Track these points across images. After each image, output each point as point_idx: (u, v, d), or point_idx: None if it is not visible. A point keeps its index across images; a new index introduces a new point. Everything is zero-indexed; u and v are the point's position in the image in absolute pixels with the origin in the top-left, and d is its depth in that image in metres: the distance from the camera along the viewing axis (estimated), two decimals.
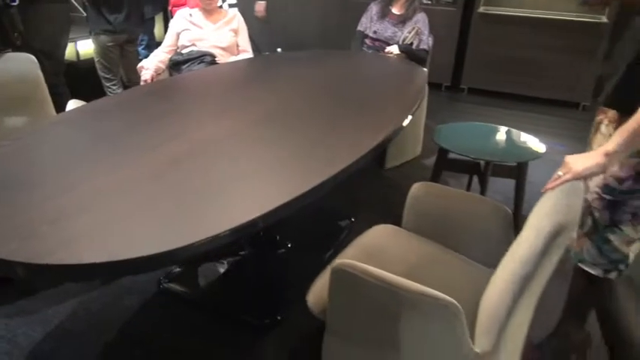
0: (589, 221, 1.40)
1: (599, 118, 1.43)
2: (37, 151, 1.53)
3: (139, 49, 3.92)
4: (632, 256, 1.41)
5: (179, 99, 2.13)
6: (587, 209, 1.40)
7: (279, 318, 1.89)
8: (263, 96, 2.09)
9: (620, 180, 1.32)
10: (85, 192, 1.23)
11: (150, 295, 2.03)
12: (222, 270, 2.15)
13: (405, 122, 1.82)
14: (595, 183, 1.38)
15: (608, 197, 1.35)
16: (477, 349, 1.11)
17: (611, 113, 1.37)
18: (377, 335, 1.23)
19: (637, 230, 1.36)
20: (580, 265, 1.46)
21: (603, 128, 1.39)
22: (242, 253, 2.24)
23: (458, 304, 1.08)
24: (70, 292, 2.00)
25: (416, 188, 1.70)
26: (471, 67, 4.95)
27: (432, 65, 3.47)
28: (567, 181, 1.24)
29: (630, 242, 1.39)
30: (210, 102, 2.06)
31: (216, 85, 2.36)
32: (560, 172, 1.28)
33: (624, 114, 1.27)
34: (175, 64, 2.88)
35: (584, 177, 1.24)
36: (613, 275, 1.43)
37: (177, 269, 2.13)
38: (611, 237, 1.38)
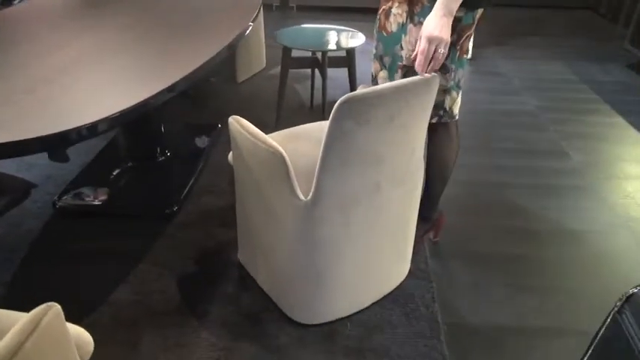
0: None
1: (385, 6, 1.74)
2: None
3: None
4: (449, 103, 1.74)
5: (32, 25, 2.17)
6: (407, 68, 1.70)
7: (175, 208, 2.20)
8: (111, 19, 2.24)
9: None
10: None
11: (48, 216, 2.18)
12: (115, 181, 2.36)
13: (250, 26, 2.15)
14: (411, 46, 1.66)
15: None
16: (302, 197, 1.43)
17: None
18: (251, 187, 1.62)
19: (447, 79, 1.68)
20: None
21: (394, 10, 1.70)
22: (120, 169, 2.45)
23: (284, 154, 1.38)
24: None
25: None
26: None
27: None
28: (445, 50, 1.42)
29: (445, 91, 1.70)
30: (57, 29, 2.15)
31: (60, 12, 2.41)
32: (428, 46, 1.41)
33: None
34: (5, 0, 2.78)
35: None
36: (435, 120, 1.75)
37: (69, 193, 2.28)
38: None
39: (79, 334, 1.02)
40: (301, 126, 1.89)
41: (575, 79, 3.85)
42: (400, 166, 1.50)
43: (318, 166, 1.36)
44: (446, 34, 1.42)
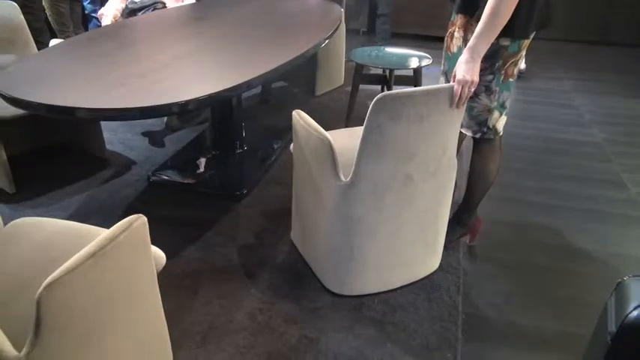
0: None
1: (451, 29, 2.01)
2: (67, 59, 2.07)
3: (85, 3, 4.28)
4: (492, 122, 1.92)
5: (148, 31, 2.66)
6: None
7: (245, 191, 2.56)
8: (209, 29, 2.68)
9: None
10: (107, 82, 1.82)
11: (142, 188, 2.62)
12: (199, 165, 2.78)
13: (327, 38, 2.49)
14: None
15: None
16: (343, 179, 1.71)
17: (459, 22, 1.94)
18: (304, 171, 1.90)
19: (491, 100, 1.88)
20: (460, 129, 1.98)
21: (456, 34, 1.98)
22: (205, 156, 2.87)
23: (331, 140, 1.67)
24: (80, 187, 2.57)
25: None
26: None
27: (351, 13, 4.13)
28: (471, 89, 1.66)
29: (489, 110, 1.90)
30: (170, 33, 2.62)
31: (170, 23, 2.90)
32: (460, 88, 1.64)
33: (471, 17, 1.84)
34: (131, 12, 3.35)
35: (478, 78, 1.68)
36: (478, 135, 1.97)
37: (162, 171, 2.72)
38: (474, 105, 1.90)
39: (156, 250, 1.36)
40: (359, 127, 2.17)
41: None
42: (432, 162, 1.73)
43: (356, 153, 1.63)
44: (474, 77, 1.66)
